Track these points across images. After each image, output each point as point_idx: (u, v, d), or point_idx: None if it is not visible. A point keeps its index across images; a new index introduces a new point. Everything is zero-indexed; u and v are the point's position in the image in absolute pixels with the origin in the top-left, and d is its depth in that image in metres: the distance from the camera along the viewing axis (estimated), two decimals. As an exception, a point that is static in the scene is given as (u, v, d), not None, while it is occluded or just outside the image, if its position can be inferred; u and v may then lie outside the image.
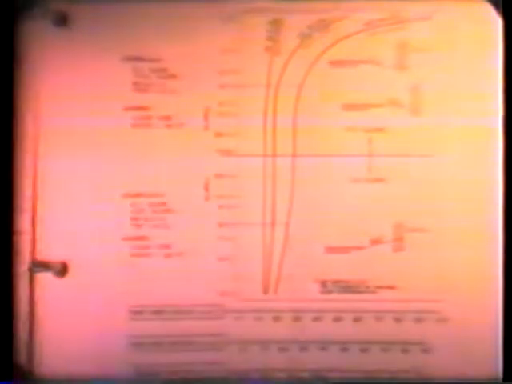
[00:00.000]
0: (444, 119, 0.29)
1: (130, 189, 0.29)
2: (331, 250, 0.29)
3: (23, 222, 0.29)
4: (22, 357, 0.28)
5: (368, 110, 0.29)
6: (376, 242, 0.29)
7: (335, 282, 0.29)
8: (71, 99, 0.29)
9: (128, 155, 0.29)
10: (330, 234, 0.29)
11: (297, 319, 0.29)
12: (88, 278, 0.29)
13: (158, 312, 0.29)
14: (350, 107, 0.29)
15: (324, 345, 0.29)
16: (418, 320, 0.29)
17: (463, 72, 0.28)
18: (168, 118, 0.29)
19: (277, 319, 0.29)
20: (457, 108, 0.29)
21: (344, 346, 0.29)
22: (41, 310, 0.29)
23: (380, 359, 0.29)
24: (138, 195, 0.29)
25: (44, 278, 0.29)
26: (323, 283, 0.29)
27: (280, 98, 0.29)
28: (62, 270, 0.29)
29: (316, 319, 0.29)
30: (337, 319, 0.29)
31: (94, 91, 0.29)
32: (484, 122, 0.28)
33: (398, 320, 0.29)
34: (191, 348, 0.29)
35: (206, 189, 0.29)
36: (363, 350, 0.29)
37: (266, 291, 0.29)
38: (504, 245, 0.27)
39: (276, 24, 0.29)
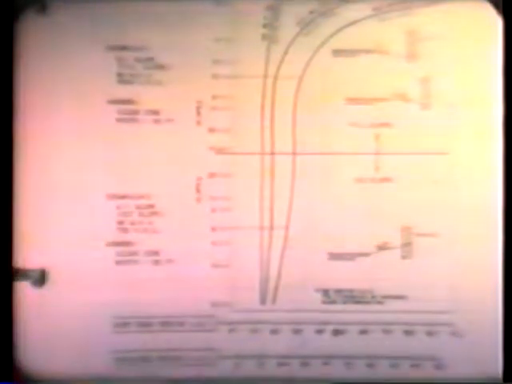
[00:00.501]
0: (457, 114, 0.27)
1: (115, 190, 0.27)
2: (334, 256, 0.28)
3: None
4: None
5: (374, 104, 0.27)
6: (383, 247, 0.28)
7: (338, 291, 0.28)
8: (51, 92, 0.27)
9: (113, 153, 0.27)
10: (332, 238, 0.28)
11: (297, 332, 0.28)
12: (69, 287, 0.27)
13: (145, 324, 0.28)
14: (354, 101, 0.28)
15: (327, 360, 0.28)
16: (430, 333, 0.27)
17: (470, 66, 0.27)
18: (156, 112, 0.27)
19: (275, 332, 0.28)
20: (470, 102, 0.27)
21: (348, 361, 0.28)
22: (16, 323, 0.27)
23: (388, 375, 0.27)
24: (123, 197, 0.27)
25: (20, 287, 0.27)
26: (325, 292, 0.28)
27: (279, 90, 0.27)
28: (41, 279, 0.27)
29: (318, 332, 0.28)
30: (340, 332, 0.28)
31: (76, 83, 0.27)
32: (495, 119, 0.27)
33: (407, 333, 0.27)
34: (181, 363, 0.27)
35: (198, 190, 0.28)
36: (369, 366, 0.27)
37: (263, 301, 0.28)
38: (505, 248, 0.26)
39: (274, 9, 0.27)
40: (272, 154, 0.28)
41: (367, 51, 0.27)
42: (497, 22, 0.27)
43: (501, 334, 0.26)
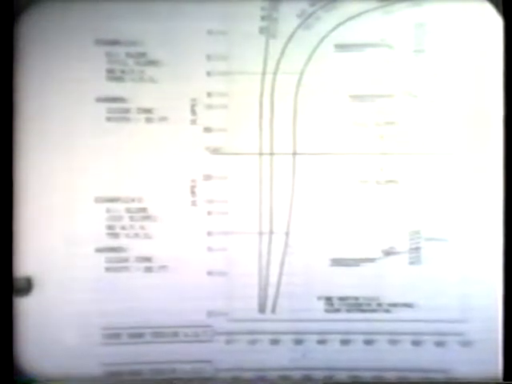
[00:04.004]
0: (466, 112, 0.27)
1: (105, 192, 0.27)
2: (338, 261, 0.27)
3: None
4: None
5: (379, 102, 0.27)
6: (389, 252, 0.27)
7: (342, 298, 0.27)
8: (42, 91, 0.26)
9: (102, 153, 0.26)
10: (335, 243, 0.27)
11: (298, 342, 0.27)
12: (56, 296, 0.26)
13: (137, 335, 0.27)
14: (358, 98, 0.27)
15: (330, 372, 0.27)
16: (440, 343, 0.27)
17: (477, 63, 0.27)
18: (148, 110, 0.27)
19: (275, 342, 0.27)
20: (478, 100, 0.27)
21: (353, 373, 0.27)
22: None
23: (395, 389, 0.27)
24: (114, 199, 0.27)
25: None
26: (328, 300, 0.27)
27: (278, 87, 0.27)
28: (27, 287, 0.26)
29: (320, 342, 0.27)
30: (345, 342, 0.27)
31: (62, 80, 0.26)
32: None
33: (415, 343, 0.27)
34: (175, 377, 0.27)
35: (193, 192, 0.27)
36: (376, 378, 0.27)
37: (262, 310, 0.27)
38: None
39: (273, 0, 0.27)
40: (271, 154, 0.27)
41: (372, 45, 0.27)
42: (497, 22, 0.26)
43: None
